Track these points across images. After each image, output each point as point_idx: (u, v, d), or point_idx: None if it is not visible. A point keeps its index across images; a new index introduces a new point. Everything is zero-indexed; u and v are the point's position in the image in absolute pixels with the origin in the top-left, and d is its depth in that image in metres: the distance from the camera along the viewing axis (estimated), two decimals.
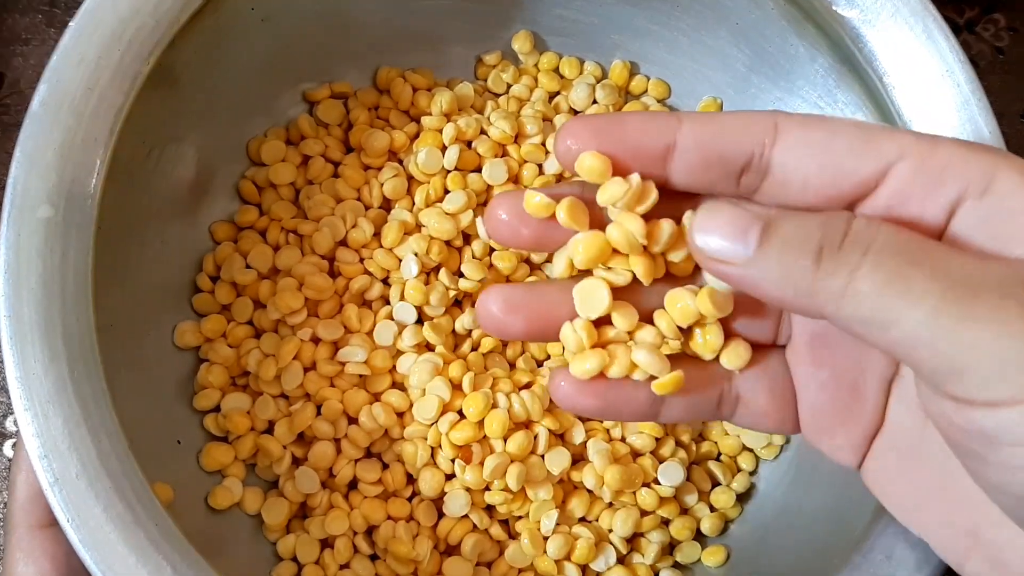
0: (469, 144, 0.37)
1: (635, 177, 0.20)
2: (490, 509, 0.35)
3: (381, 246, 0.36)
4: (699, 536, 0.36)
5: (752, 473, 0.37)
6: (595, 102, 0.39)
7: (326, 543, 0.34)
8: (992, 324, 0.15)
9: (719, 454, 0.38)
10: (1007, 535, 0.19)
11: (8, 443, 0.41)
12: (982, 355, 0.15)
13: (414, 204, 0.36)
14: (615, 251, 0.20)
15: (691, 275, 0.22)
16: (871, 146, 0.19)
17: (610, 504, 0.35)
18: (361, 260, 0.36)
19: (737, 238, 0.18)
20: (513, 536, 0.35)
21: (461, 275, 0.36)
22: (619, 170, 0.20)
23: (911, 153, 0.18)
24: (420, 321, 0.35)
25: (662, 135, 0.19)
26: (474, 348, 0.36)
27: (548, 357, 0.36)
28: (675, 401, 0.22)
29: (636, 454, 0.35)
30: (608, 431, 0.36)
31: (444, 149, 0.36)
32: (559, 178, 0.37)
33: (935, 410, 0.17)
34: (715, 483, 0.37)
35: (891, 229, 0.17)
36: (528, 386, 0.35)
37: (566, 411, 0.21)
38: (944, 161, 0.18)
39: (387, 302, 0.36)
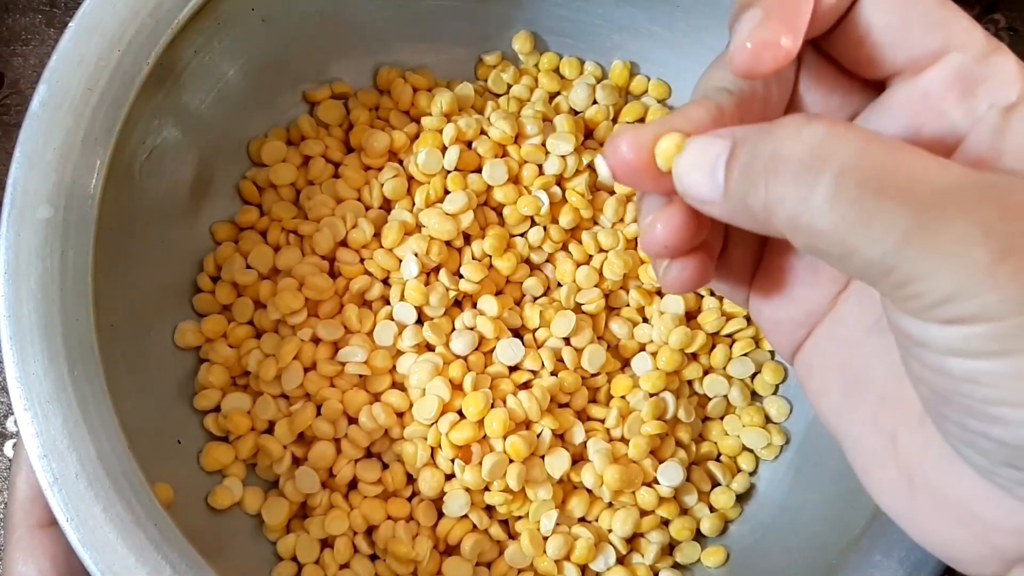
0: (469, 145, 0.37)
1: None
2: (490, 509, 0.35)
3: (381, 246, 0.36)
4: (699, 536, 0.36)
5: (752, 473, 0.37)
6: (595, 102, 0.39)
7: (326, 543, 0.34)
8: (953, 257, 0.15)
9: (719, 454, 0.38)
10: (920, 441, 0.19)
11: (8, 443, 0.41)
12: (938, 283, 0.15)
13: (414, 204, 0.36)
14: None
15: None
16: (942, 24, 0.19)
17: (610, 504, 0.35)
18: (361, 260, 0.36)
19: (709, 175, 0.17)
20: (513, 536, 0.35)
21: (461, 276, 0.36)
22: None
23: (970, 47, 0.18)
24: (420, 321, 0.35)
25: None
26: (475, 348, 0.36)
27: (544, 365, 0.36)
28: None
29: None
30: (608, 431, 0.36)
31: (444, 150, 0.36)
32: (559, 179, 0.37)
33: (884, 304, 0.18)
34: (715, 483, 0.37)
35: (854, 141, 0.16)
36: (528, 386, 0.35)
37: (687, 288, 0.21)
38: (993, 69, 0.18)
39: (387, 302, 0.36)
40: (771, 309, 0.23)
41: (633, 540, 0.36)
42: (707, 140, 0.18)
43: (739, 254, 0.23)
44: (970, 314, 0.15)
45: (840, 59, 0.20)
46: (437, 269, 0.36)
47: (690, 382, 0.37)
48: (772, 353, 0.38)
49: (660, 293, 0.38)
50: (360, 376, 0.35)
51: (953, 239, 0.15)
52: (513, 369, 0.36)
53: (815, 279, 0.22)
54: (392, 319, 0.35)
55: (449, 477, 0.34)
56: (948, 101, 0.19)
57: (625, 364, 0.37)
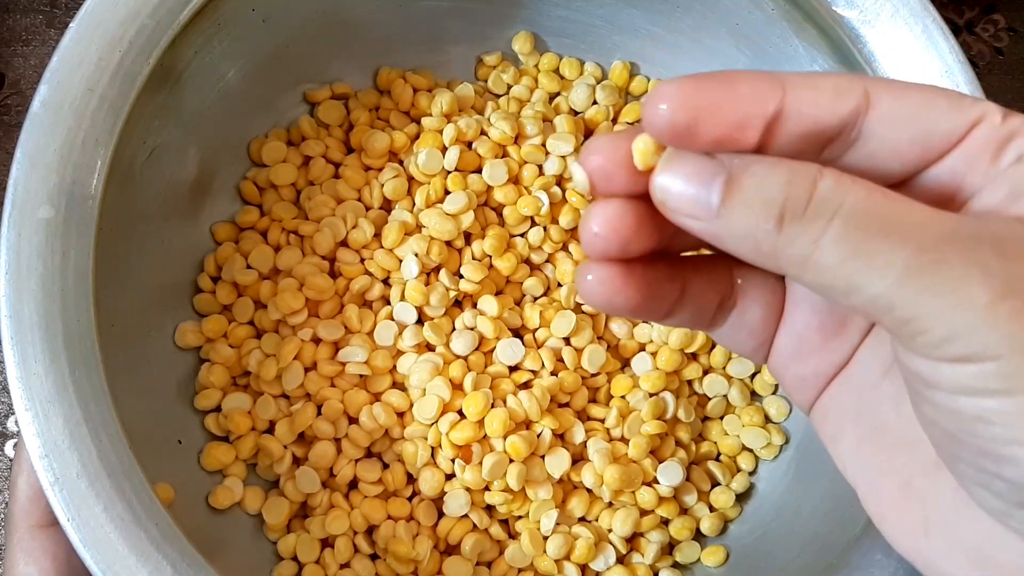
0: (469, 145, 0.37)
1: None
2: (490, 509, 0.35)
3: (382, 247, 0.36)
4: (699, 536, 0.36)
5: (752, 473, 0.37)
6: (595, 103, 0.39)
7: (326, 543, 0.34)
8: (951, 295, 0.16)
9: (719, 454, 0.38)
10: (935, 485, 0.19)
11: (9, 443, 0.41)
12: (938, 321, 0.16)
13: (414, 205, 0.36)
14: None
15: None
16: (961, 110, 0.19)
17: (610, 504, 0.35)
18: (362, 260, 0.36)
19: (700, 192, 0.17)
20: (513, 536, 0.35)
21: (461, 276, 0.36)
22: (716, 144, 0.17)
23: (991, 114, 0.19)
24: (420, 321, 0.35)
25: (769, 102, 0.18)
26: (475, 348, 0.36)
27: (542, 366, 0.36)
28: (689, 295, 0.21)
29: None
30: (608, 431, 0.36)
31: (444, 150, 0.36)
32: (559, 180, 0.37)
33: (894, 346, 0.18)
34: (715, 483, 0.37)
35: (860, 191, 0.17)
36: (528, 386, 0.35)
37: (598, 305, 0.20)
38: (1017, 126, 0.18)
39: (387, 302, 0.36)
40: (800, 366, 0.22)
41: (633, 540, 0.36)
42: (696, 157, 0.17)
43: (758, 313, 0.22)
44: (972, 352, 0.16)
45: (863, 174, 0.19)
46: (437, 269, 0.36)
47: (690, 382, 0.37)
48: None
49: None
50: (360, 376, 0.35)
51: (950, 278, 0.16)
52: (513, 369, 0.36)
53: (844, 330, 0.22)
54: (392, 319, 0.35)
55: (449, 477, 0.34)
56: (981, 163, 0.19)
57: (625, 364, 0.37)
